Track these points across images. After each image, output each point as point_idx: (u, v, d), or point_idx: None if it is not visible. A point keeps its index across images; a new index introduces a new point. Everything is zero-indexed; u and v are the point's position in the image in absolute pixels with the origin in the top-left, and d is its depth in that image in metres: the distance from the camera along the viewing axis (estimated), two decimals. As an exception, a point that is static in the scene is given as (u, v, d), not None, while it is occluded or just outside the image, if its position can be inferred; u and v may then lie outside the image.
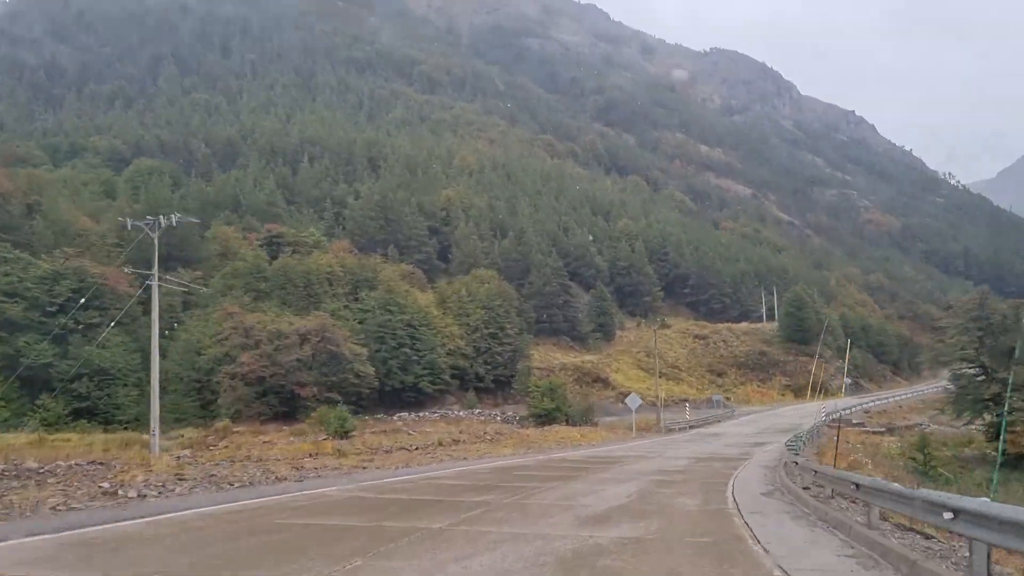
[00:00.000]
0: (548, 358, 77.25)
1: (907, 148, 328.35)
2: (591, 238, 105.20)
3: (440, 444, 36.54)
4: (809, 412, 62.58)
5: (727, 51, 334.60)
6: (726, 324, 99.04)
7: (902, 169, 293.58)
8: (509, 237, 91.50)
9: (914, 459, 35.25)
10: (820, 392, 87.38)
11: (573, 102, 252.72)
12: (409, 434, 42.58)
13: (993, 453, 35.80)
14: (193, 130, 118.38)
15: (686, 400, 73.92)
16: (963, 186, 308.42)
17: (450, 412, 56.82)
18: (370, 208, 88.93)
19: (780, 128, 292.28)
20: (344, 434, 39.20)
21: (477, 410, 56.44)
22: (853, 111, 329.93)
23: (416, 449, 33.81)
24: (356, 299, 65.22)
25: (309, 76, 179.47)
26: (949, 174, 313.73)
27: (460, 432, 43.26)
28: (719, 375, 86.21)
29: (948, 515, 7.81)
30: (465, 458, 29.93)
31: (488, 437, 41.32)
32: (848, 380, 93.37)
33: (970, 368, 46.98)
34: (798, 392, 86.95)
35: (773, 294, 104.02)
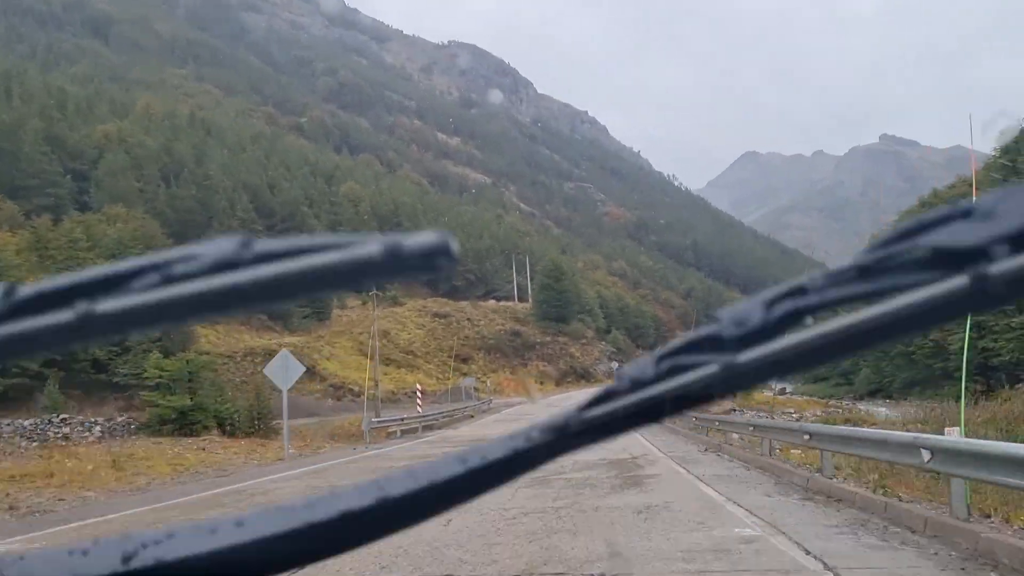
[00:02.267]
0: (230, 341, 53.62)
1: (636, 150, 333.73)
2: (305, 197, 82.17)
3: None
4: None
5: (466, 44, 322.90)
6: (471, 302, 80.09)
7: (632, 168, 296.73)
8: (184, 181, 66.22)
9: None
10: (585, 379, 70.50)
11: (302, 82, 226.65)
12: None
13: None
14: None
15: (418, 391, 53.52)
16: (686, 188, 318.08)
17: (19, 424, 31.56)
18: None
19: (518, 123, 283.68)
20: None
21: (61, 416, 31.44)
22: (587, 111, 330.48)
23: None
24: None
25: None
26: (673, 176, 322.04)
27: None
28: (464, 360, 66.71)
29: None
30: None
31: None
32: (615, 364, 77.68)
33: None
34: (560, 380, 69.54)
35: (526, 271, 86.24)
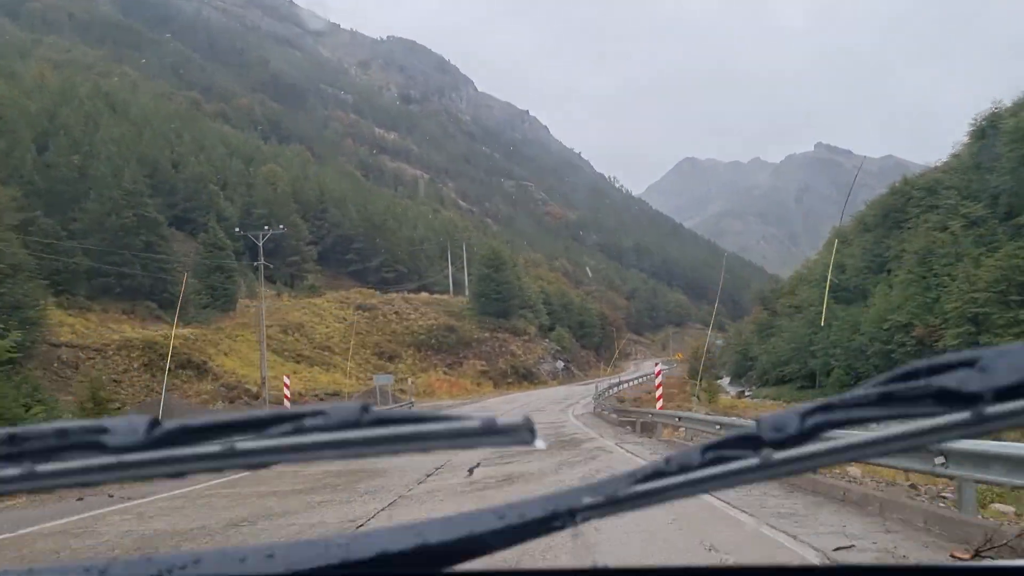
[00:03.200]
0: (103, 331, 44.30)
1: (577, 151, 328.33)
2: (217, 178, 72.69)
3: None
4: (537, 406, 37.48)
5: (405, 40, 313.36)
6: (401, 294, 71.40)
7: (574, 169, 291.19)
8: (63, 148, 56.26)
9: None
10: (527, 379, 62.67)
11: (233, 72, 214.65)
12: None
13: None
14: None
15: (286, 388, 45.33)
16: (627, 190, 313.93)
17: None
18: None
19: (458, 120, 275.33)
20: None
21: None
22: (527, 111, 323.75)
23: None
24: None
25: None
26: (614, 178, 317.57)
27: None
28: (391, 358, 58.29)
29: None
30: None
31: None
32: (560, 364, 69.93)
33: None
34: (499, 380, 61.51)
35: (463, 262, 77.66)
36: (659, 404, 24.25)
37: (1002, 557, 5.64)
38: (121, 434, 0.65)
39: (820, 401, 0.68)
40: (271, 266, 48.15)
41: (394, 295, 69.74)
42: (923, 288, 53.51)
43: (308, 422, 0.65)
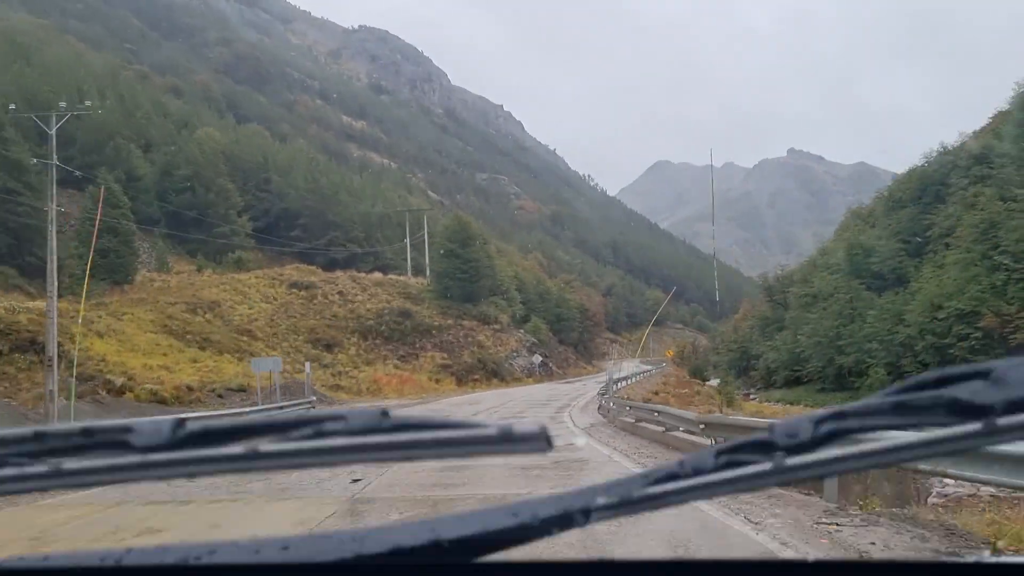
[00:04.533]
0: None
1: (552, 148, 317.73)
2: (137, 134, 60.39)
3: None
4: (513, 410, 26.27)
5: (377, 30, 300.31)
6: (348, 272, 59.25)
7: (548, 166, 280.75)
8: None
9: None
10: (497, 376, 51.19)
11: (193, 52, 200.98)
12: None
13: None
14: None
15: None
16: (602, 189, 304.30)
17: None
18: None
19: (429, 111, 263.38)
20: None
21: None
22: (502, 106, 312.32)
23: None
24: None
25: None
26: (589, 176, 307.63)
27: None
28: (329, 347, 46.24)
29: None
30: None
31: None
32: (537, 358, 58.41)
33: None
34: (463, 376, 49.79)
35: (424, 240, 65.44)
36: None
37: None
38: (146, 434, 0.65)
39: (833, 408, 0.68)
40: (75, 171, 36.39)
41: (339, 274, 57.71)
42: (988, 269, 42.67)
43: (329, 426, 0.65)
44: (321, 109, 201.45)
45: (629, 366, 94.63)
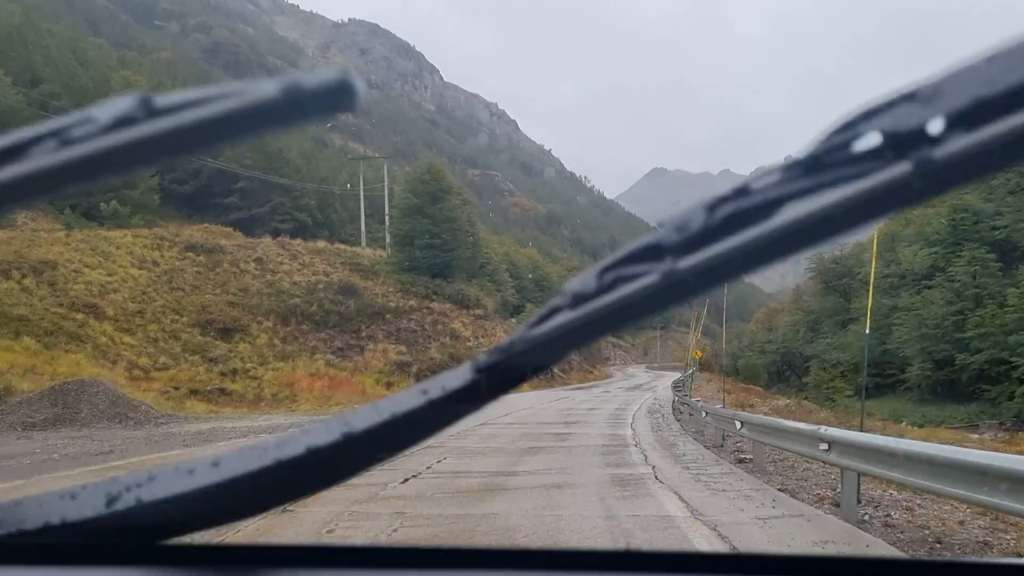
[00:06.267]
0: None
1: (547, 148, 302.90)
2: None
3: None
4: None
5: (367, 23, 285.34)
6: (278, 239, 43.61)
7: (543, 165, 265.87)
8: None
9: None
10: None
11: (167, 35, 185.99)
12: None
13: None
14: None
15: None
16: (599, 191, 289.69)
17: None
18: None
19: (421, 107, 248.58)
20: None
21: None
22: (496, 104, 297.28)
23: None
24: None
25: None
26: (586, 177, 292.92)
27: None
28: (227, 332, 30.62)
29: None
30: None
31: None
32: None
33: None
34: (426, 377, 33.92)
35: (385, 205, 49.40)
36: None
37: None
38: None
39: (733, 186, 0.51)
40: None
41: (267, 240, 42.17)
42: None
43: (75, 132, 0.51)
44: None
45: (641, 374, 79.01)
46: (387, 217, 45.00)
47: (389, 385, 31.74)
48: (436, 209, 40.32)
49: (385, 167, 50.04)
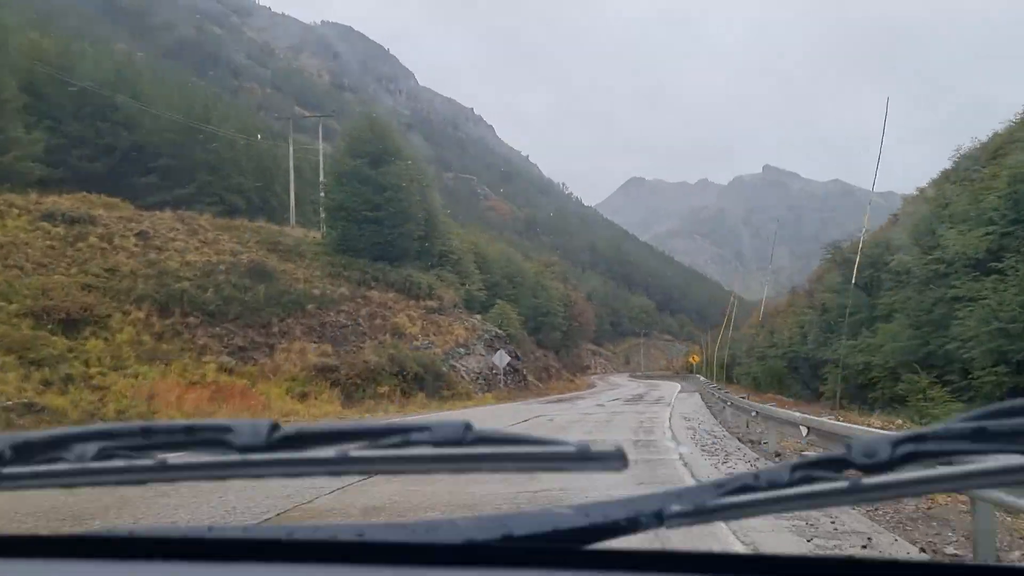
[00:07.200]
0: None
1: (525, 154, 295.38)
2: None
3: None
4: None
5: (341, 26, 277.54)
6: (178, 211, 34.93)
7: (521, 171, 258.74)
8: None
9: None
10: (422, 387, 26.95)
11: (123, 30, 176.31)
12: None
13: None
14: None
15: None
16: (577, 198, 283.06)
17: None
18: None
19: (395, 111, 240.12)
20: None
21: None
22: (472, 109, 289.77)
23: None
24: None
25: None
26: (564, 184, 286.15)
27: None
28: (73, 326, 22.15)
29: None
30: None
31: None
32: (503, 357, 34.28)
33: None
34: (363, 386, 25.50)
35: (320, 174, 40.53)
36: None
37: None
38: (245, 434, 0.67)
39: (911, 431, 0.65)
40: None
41: (164, 214, 33.54)
42: None
43: (415, 436, 0.65)
44: (271, 97, 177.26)
45: (625, 384, 70.60)
46: (321, 186, 36.48)
47: (303, 396, 23.16)
48: (379, 173, 31.99)
49: (320, 126, 41.50)
